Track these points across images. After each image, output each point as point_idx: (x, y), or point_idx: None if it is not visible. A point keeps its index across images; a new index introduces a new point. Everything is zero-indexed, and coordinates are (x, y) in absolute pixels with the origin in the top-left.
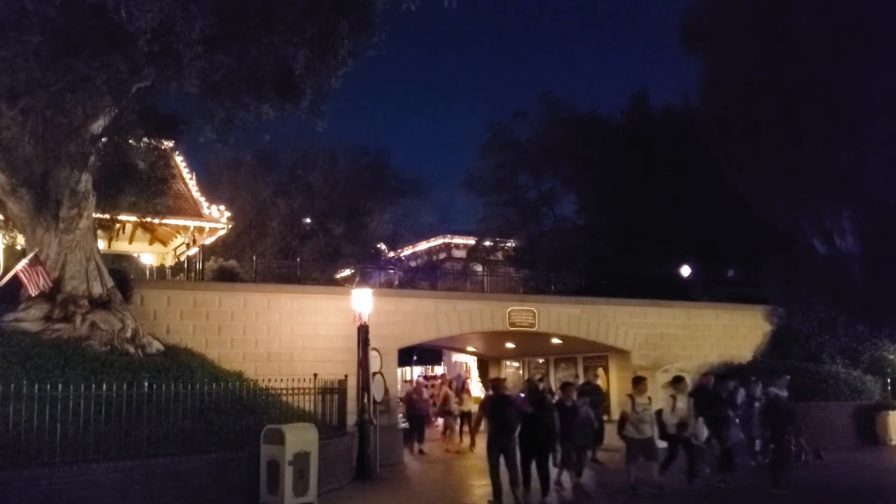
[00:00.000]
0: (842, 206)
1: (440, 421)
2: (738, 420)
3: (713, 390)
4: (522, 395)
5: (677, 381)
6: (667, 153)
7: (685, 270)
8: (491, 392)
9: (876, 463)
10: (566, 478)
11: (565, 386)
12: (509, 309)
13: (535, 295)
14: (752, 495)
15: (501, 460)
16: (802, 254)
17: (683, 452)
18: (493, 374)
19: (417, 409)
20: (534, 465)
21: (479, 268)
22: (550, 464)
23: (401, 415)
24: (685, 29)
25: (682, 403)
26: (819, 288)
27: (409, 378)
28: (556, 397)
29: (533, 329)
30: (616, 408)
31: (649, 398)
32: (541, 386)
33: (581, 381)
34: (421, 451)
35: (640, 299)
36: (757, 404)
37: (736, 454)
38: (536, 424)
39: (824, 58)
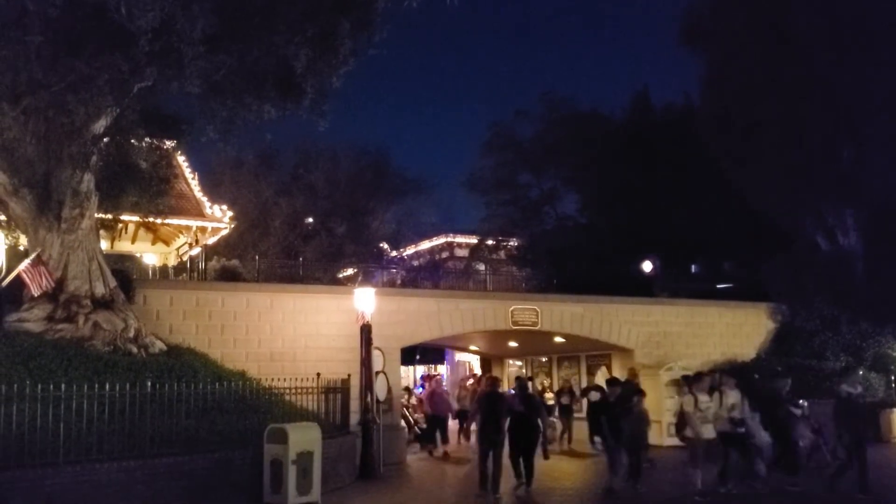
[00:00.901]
0: (844, 205)
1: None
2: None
3: (775, 388)
4: (512, 391)
5: (729, 376)
6: (668, 152)
7: (647, 266)
8: (486, 389)
9: (883, 462)
10: (616, 483)
11: (612, 383)
12: (512, 308)
13: (537, 293)
14: (834, 500)
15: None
16: (805, 252)
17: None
18: (495, 373)
19: (440, 409)
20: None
21: (481, 267)
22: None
23: (420, 415)
24: (686, 28)
25: (734, 399)
26: (822, 285)
27: (426, 376)
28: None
29: (536, 328)
30: None
31: (710, 395)
32: (530, 385)
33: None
34: (446, 454)
35: (643, 297)
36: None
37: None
38: (524, 422)
39: (825, 57)
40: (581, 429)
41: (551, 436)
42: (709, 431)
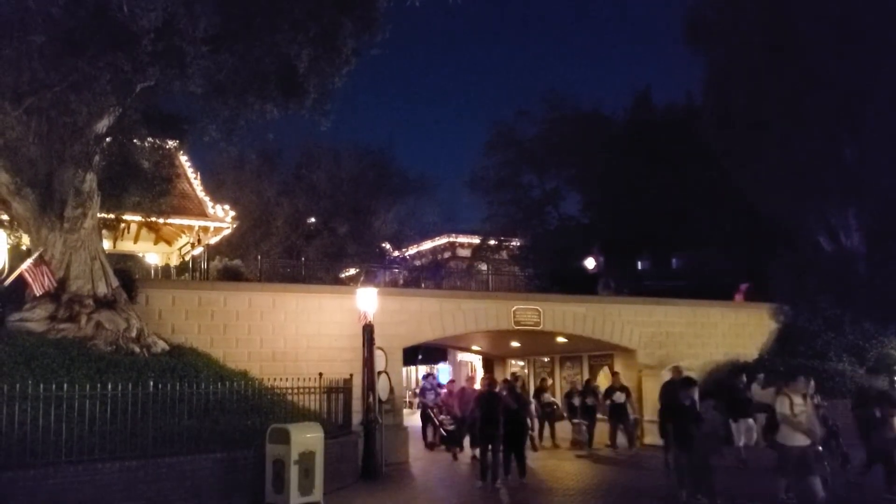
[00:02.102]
0: (847, 204)
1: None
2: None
3: (865, 386)
4: (504, 392)
5: (791, 378)
6: (670, 152)
7: (590, 263)
8: (484, 390)
9: None
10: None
11: (688, 383)
12: (514, 308)
13: (539, 293)
14: None
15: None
16: (808, 251)
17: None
18: (498, 373)
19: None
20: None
21: (483, 267)
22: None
23: (444, 416)
24: (689, 27)
25: (802, 401)
26: (825, 286)
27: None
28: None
29: (538, 328)
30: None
31: (803, 397)
32: (518, 385)
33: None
34: (475, 457)
35: (645, 297)
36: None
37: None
38: (516, 418)
39: (828, 56)
40: (602, 431)
41: (580, 439)
42: (802, 438)
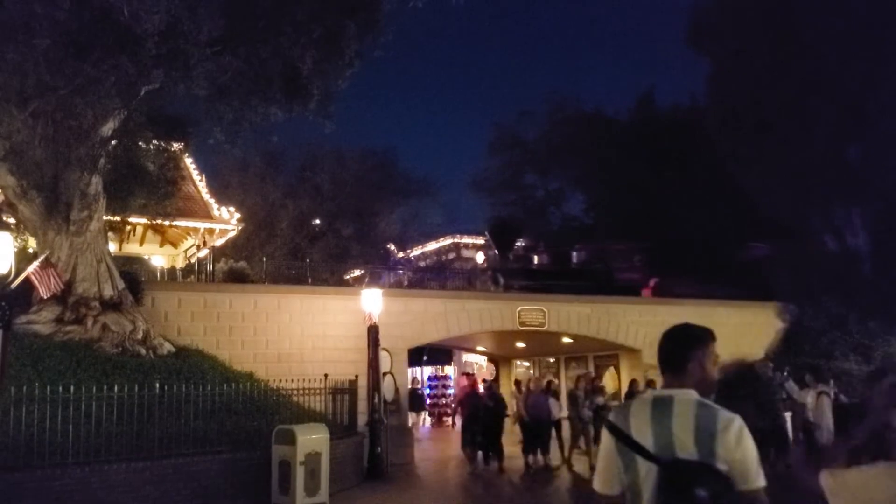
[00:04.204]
0: (852, 203)
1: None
2: None
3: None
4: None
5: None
6: (674, 153)
7: (479, 257)
8: (467, 389)
9: None
10: None
11: (879, 374)
12: (519, 308)
13: (544, 294)
14: None
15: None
16: (813, 251)
17: None
18: (502, 374)
19: (542, 412)
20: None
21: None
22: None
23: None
24: (693, 27)
25: None
26: (830, 285)
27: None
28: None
29: (543, 328)
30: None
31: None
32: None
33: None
34: (547, 466)
35: (650, 297)
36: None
37: None
38: (492, 414)
39: (832, 56)
40: None
41: None
42: None
